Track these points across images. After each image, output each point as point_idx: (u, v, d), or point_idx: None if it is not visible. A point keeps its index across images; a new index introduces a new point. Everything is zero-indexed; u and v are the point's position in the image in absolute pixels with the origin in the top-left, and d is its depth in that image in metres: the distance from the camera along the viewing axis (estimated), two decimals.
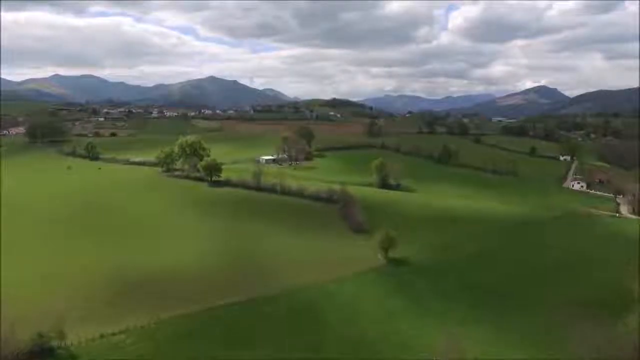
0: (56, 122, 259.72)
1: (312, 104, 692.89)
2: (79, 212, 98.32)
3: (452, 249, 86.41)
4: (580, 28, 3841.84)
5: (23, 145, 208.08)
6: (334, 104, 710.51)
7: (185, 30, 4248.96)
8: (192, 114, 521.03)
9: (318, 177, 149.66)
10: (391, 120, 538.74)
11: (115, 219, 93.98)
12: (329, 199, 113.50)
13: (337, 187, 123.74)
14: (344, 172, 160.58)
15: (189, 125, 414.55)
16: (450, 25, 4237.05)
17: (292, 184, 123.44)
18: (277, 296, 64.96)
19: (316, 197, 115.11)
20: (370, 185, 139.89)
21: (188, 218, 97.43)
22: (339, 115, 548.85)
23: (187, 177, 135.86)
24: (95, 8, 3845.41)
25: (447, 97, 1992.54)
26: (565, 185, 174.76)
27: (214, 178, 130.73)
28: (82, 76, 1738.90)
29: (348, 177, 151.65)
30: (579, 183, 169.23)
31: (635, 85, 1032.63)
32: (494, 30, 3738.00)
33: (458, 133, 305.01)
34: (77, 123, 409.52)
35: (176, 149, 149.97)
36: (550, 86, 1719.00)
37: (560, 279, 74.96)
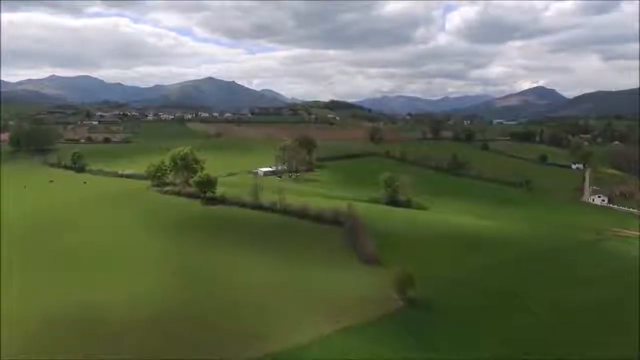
0: (42, 129, 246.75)
1: (311, 106, 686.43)
2: (44, 238, 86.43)
3: (479, 286, 75.10)
4: (577, 29, 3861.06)
5: (5, 155, 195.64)
6: (333, 106, 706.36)
7: (183, 31, 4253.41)
8: (189, 116, 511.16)
9: (321, 191, 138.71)
10: (391, 124, 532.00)
11: (84, 248, 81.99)
12: (334, 221, 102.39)
13: (342, 203, 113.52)
14: (349, 185, 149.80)
15: (185, 129, 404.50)
16: (447, 26, 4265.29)
17: (293, 201, 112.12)
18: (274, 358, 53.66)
19: (320, 219, 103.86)
20: (377, 201, 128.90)
21: (170, 246, 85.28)
22: (338, 118, 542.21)
23: (178, 193, 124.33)
24: (92, 9, 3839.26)
25: (445, 98, 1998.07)
26: (584, 199, 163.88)
27: (207, 194, 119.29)
28: (79, 77, 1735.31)
29: (353, 191, 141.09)
30: (599, 197, 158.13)
31: (634, 85, 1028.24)
32: (492, 31, 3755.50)
33: (464, 139, 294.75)
34: (69, 127, 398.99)
35: (167, 161, 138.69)
36: (548, 87, 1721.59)
37: (608, 329, 63.95)
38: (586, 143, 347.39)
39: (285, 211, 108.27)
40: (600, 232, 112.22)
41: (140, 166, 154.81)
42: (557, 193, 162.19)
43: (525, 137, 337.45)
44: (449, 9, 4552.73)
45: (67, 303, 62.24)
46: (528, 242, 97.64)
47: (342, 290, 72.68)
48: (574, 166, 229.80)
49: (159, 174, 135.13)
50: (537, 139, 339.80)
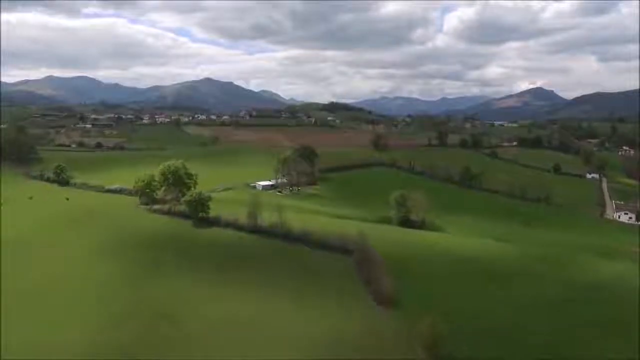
0: (26, 136, 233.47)
1: (310, 108, 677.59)
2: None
3: (519, 340, 63.29)
4: (574, 30, 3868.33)
5: None
6: (332, 108, 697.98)
7: (180, 32, 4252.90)
8: (186, 119, 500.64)
9: (325, 209, 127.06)
10: (392, 126, 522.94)
11: (29, 287, 69.97)
12: (342, 248, 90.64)
13: (349, 225, 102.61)
14: (355, 201, 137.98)
15: (181, 133, 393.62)
16: (445, 27, 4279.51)
17: (295, 221, 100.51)
18: None
19: (326, 245, 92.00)
20: (388, 221, 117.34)
21: (143, 282, 73.25)
22: (338, 121, 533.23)
23: (168, 212, 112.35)
24: (89, 9, 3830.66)
25: (443, 99, 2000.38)
26: (608, 215, 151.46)
27: (200, 214, 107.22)
28: (76, 77, 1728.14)
29: (360, 208, 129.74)
30: (626, 214, 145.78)
31: (632, 87, 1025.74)
32: (489, 32, 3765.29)
33: (471, 145, 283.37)
34: (62, 130, 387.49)
35: (157, 176, 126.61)
36: (547, 88, 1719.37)
37: None
38: (595, 148, 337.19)
39: (287, 236, 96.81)
40: (637, 259, 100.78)
41: (131, 176, 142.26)
42: (578, 209, 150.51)
43: (534, 142, 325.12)
44: (447, 10, 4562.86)
45: None
46: (563, 274, 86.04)
47: (357, 344, 61.06)
48: (589, 176, 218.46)
49: (148, 190, 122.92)
50: (545, 144, 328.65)
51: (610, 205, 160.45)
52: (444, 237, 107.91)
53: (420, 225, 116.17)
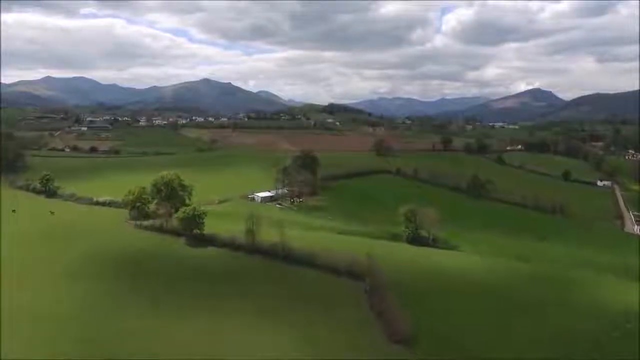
0: (14, 142, 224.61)
1: (309, 110, 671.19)
2: None
3: None
4: (573, 31, 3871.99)
5: None
6: (332, 109, 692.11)
7: (179, 32, 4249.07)
8: (183, 122, 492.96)
9: (329, 224, 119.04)
10: (392, 129, 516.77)
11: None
12: (350, 272, 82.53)
13: (356, 242, 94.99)
14: (360, 214, 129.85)
15: (178, 136, 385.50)
16: (444, 27, 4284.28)
17: (298, 241, 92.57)
18: None
19: (331, 268, 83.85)
20: (396, 237, 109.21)
21: (128, 316, 64.54)
22: (337, 123, 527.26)
23: (160, 229, 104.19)
24: (87, 9, 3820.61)
25: (442, 100, 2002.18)
26: (627, 229, 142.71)
27: (195, 231, 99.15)
28: (74, 78, 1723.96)
29: (366, 222, 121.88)
30: None
31: (630, 88, 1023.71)
32: (488, 33, 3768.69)
33: (476, 150, 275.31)
34: (56, 134, 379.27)
35: (149, 189, 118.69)
36: (545, 89, 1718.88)
37: None
38: (601, 152, 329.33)
39: (288, 257, 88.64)
40: None
41: (123, 184, 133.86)
42: (596, 221, 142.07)
43: (540, 147, 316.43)
44: (445, 11, 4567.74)
45: None
46: (595, 302, 77.99)
47: None
48: (600, 183, 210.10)
49: (139, 204, 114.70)
50: (552, 147, 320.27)
51: (628, 216, 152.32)
52: (460, 257, 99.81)
53: (433, 243, 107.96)
